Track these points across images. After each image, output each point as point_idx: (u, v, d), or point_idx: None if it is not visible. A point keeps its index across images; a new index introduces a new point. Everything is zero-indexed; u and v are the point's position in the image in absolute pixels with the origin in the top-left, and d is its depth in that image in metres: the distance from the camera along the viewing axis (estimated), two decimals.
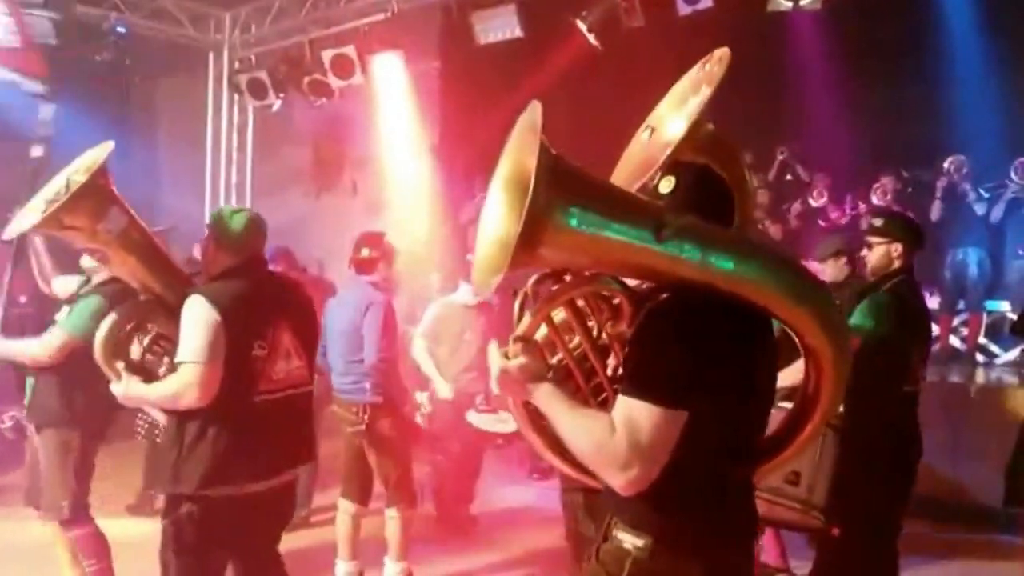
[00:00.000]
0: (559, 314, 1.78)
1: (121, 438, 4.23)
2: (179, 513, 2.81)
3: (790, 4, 6.04)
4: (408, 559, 4.45)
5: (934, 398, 4.45)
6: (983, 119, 7.15)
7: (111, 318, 2.91)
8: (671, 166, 1.85)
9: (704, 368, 1.62)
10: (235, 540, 2.94)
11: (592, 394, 1.82)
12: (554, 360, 1.83)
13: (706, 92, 2.10)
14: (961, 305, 7.40)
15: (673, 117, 2.34)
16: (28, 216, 2.83)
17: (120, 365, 2.86)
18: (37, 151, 3.41)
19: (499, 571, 4.84)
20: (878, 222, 3.88)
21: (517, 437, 5.22)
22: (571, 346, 1.81)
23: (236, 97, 9.10)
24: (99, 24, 8.13)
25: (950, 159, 7.13)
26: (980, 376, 6.76)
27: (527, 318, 1.75)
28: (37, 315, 3.53)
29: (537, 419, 1.83)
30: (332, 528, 4.56)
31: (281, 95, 8.48)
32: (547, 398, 1.71)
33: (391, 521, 4.40)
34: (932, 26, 7.63)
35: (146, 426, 5.60)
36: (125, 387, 2.84)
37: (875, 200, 7.56)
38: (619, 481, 1.61)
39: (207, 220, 3.15)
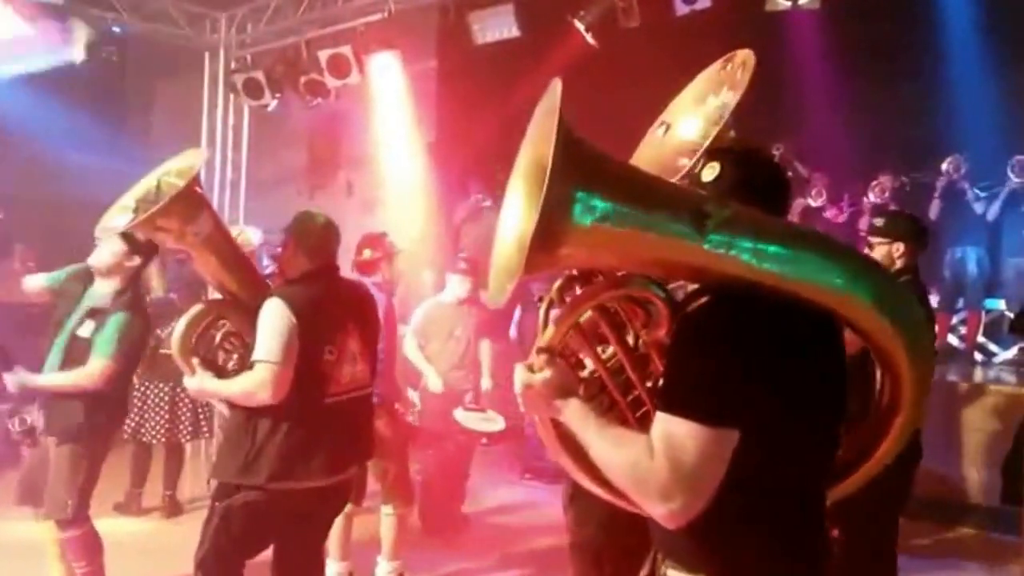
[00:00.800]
0: (588, 319, 1.60)
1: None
2: (234, 500, 2.90)
3: (788, 3, 6.01)
4: (400, 559, 4.42)
5: (932, 397, 4.43)
6: (981, 118, 7.16)
7: (190, 314, 3.04)
8: (714, 151, 1.67)
9: (756, 380, 1.41)
10: (284, 531, 3.03)
11: (631, 409, 1.62)
12: (586, 372, 1.64)
13: (730, 96, 2.03)
14: (960, 304, 7.40)
15: (690, 116, 2.28)
16: (121, 215, 2.95)
17: (195, 360, 3.00)
18: None
19: (490, 572, 4.82)
20: (879, 222, 3.84)
21: (502, 437, 5.23)
22: (604, 356, 1.62)
23: (232, 97, 9.07)
24: (97, 25, 8.10)
25: (948, 158, 7.13)
26: (978, 375, 6.74)
27: (551, 327, 1.56)
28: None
29: (568, 439, 1.60)
30: None
31: (277, 95, 8.44)
32: (576, 416, 1.51)
33: (386, 519, 4.38)
34: (930, 25, 7.64)
35: (130, 428, 5.65)
36: (199, 382, 2.99)
37: (873, 198, 7.56)
38: (660, 512, 1.41)
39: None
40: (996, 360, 7.41)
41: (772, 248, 1.44)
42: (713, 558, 1.50)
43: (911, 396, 1.60)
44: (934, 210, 7.22)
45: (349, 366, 3.08)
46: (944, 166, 7.14)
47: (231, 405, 3.05)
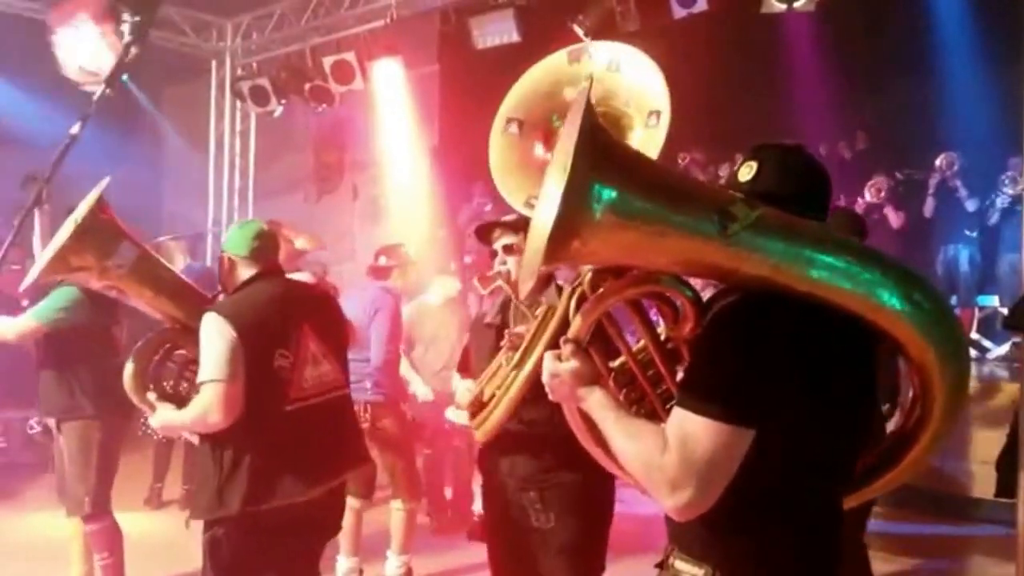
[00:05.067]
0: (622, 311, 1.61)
1: (132, 434, 4.36)
2: (215, 532, 2.71)
3: (784, 6, 6.11)
4: (409, 553, 4.52)
5: None
6: (976, 117, 7.24)
7: (136, 350, 2.88)
8: (753, 150, 1.63)
9: (775, 381, 1.42)
10: (275, 554, 2.81)
11: (660, 401, 1.63)
12: (617, 363, 1.65)
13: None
14: (953, 300, 7.50)
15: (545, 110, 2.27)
16: (38, 265, 2.81)
17: (151, 396, 2.85)
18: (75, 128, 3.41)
19: None
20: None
21: None
22: (636, 348, 1.64)
23: (239, 104, 9.21)
24: None
25: (942, 156, 7.23)
26: (972, 371, 6.83)
27: (578, 318, 1.58)
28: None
29: (596, 429, 1.61)
30: None
31: (283, 101, 8.56)
32: (598, 406, 1.55)
33: (396, 513, 4.48)
34: (925, 26, 7.73)
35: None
36: (159, 417, 2.83)
37: (868, 198, 7.65)
38: (669, 504, 1.42)
39: (209, 225, 3.18)
40: (990, 356, 7.48)
41: (800, 252, 1.42)
42: (719, 550, 1.51)
43: (943, 407, 1.55)
44: (929, 208, 7.33)
45: (311, 368, 2.84)
46: (937, 162, 7.24)
47: (201, 437, 2.80)
